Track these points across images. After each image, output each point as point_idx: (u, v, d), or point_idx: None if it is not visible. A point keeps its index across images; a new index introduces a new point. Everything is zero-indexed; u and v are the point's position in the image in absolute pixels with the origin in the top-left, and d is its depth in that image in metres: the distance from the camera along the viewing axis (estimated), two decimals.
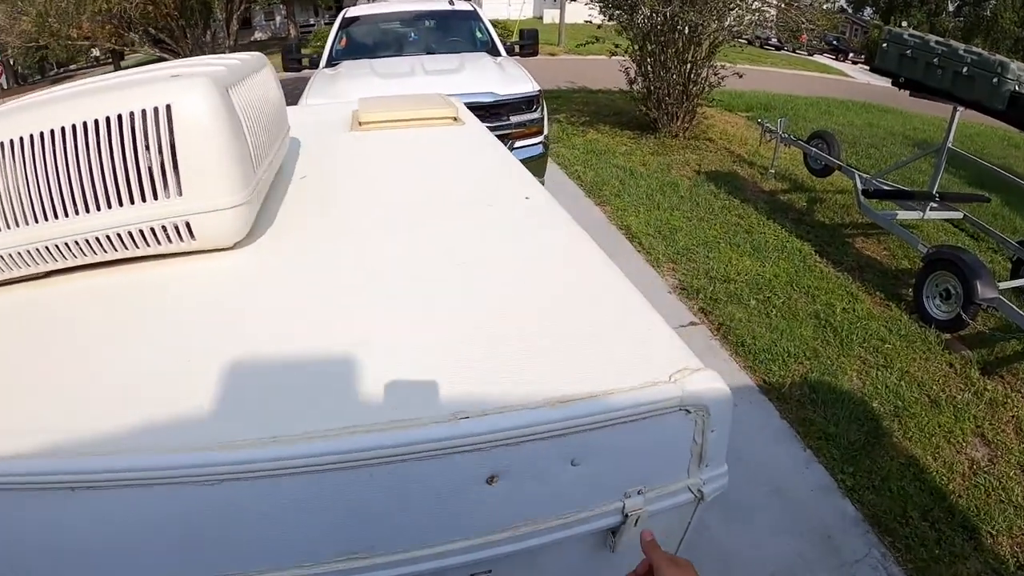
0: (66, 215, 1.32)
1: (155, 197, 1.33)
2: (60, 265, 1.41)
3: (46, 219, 1.33)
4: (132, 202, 1.32)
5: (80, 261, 1.41)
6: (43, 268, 1.42)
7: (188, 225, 1.37)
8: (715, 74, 8.43)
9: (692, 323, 4.46)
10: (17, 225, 1.34)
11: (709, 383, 1.05)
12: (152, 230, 1.36)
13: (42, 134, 1.27)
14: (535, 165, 5.21)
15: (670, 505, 1.15)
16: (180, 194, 1.33)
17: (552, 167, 7.51)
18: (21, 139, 1.27)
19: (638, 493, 1.12)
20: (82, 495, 0.91)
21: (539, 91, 5.28)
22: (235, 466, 0.88)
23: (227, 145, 1.35)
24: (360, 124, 2.48)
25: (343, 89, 4.80)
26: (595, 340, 1.15)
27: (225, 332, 1.19)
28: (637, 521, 1.12)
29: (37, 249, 1.36)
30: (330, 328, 1.18)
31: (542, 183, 5.46)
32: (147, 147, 1.31)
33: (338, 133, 2.45)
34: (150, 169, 1.32)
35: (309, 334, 1.16)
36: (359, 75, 5.26)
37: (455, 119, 2.53)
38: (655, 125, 8.83)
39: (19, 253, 1.36)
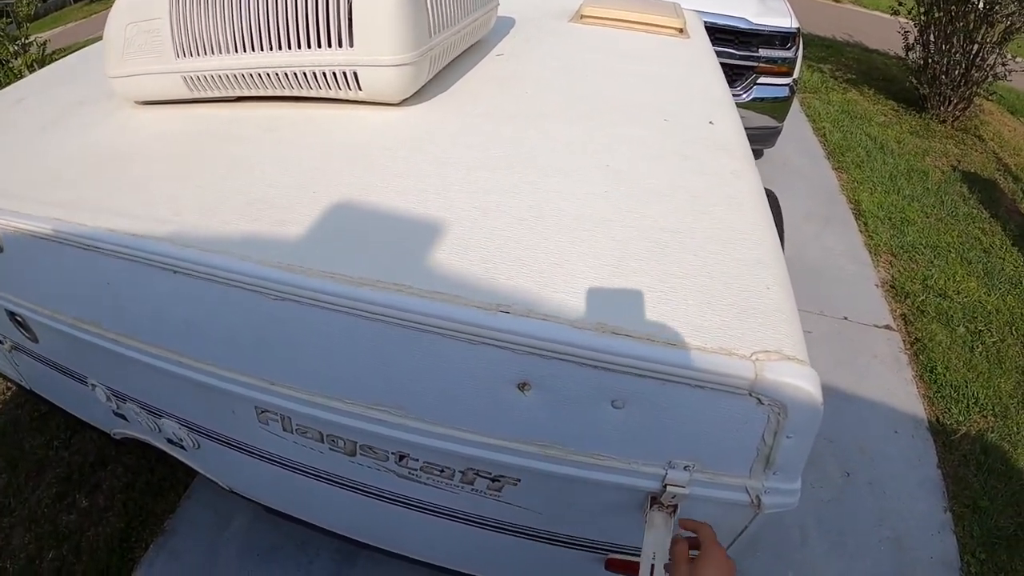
0: (252, 50, 1.63)
1: (329, 45, 1.55)
2: (247, 93, 1.75)
3: (236, 51, 1.65)
4: (309, 46, 1.57)
5: (263, 92, 1.73)
6: (235, 93, 1.78)
7: (356, 75, 1.59)
8: (1003, 64, 7.34)
9: (887, 327, 4.13)
10: (217, 53, 1.68)
11: (796, 379, 0.95)
12: (324, 75, 1.62)
13: None
14: (777, 107, 5.01)
15: (719, 498, 1.13)
16: (351, 45, 1.53)
17: (798, 118, 7.08)
18: None
19: (684, 468, 1.11)
20: (181, 279, 1.22)
21: (797, 29, 4.97)
22: (292, 288, 1.10)
23: (400, 6, 1.50)
24: (581, 17, 2.54)
25: None
26: (701, 284, 1.11)
27: (356, 177, 1.39)
28: (675, 497, 1.12)
29: (231, 75, 1.71)
30: (443, 197, 1.32)
31: (780, 128, 5.21)
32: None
33: (557, 21, 2.52)
34: (328, 17, 1.53)
35: (421, 197, 1.31)
36: None
37: (680, 31, 2.49)
38: (923, 103, 8.01)
39: (217, 76, 1.72)
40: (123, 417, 2.05)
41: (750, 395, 0.97)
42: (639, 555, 1.32)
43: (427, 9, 1.59)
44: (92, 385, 1.98)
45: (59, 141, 1.98)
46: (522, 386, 1.05)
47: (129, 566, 2.80)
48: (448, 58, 1.79)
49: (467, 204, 1.27)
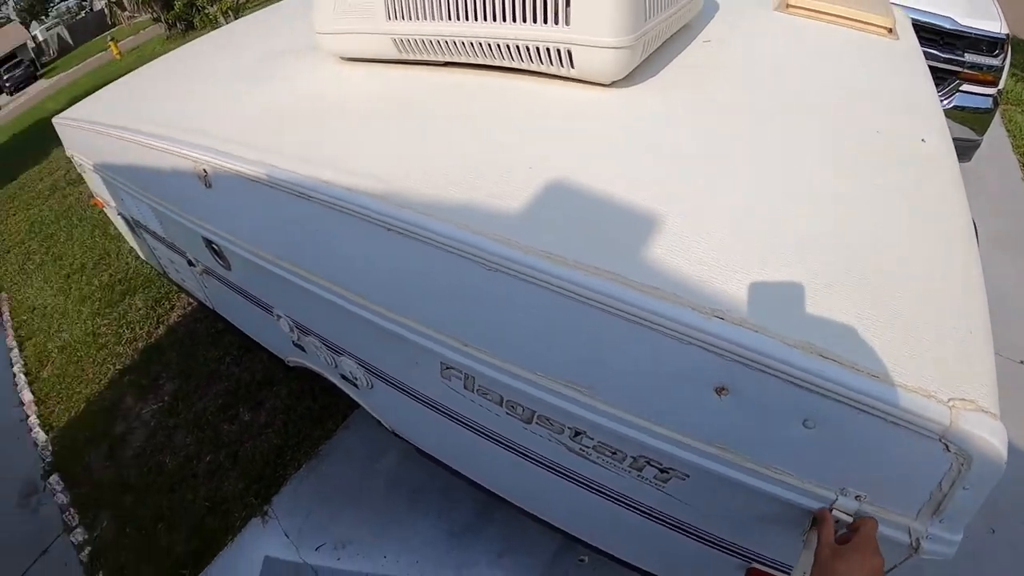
0: (466, 19, 1.72)
1: (546, 21, 1.61)
2: (455, 60, 1.85)
3: (450, 19, 1.75)
4: (525, 20, 1.64)
5: (471, 60, 1.83)
6: (442, 58, 1.88)
7: (570, 54, 1.64)
8: None
9: None
10: (430, 19, 1.79)
11: (987, 433, 0.95)
12: (536, 49, 1.68)
13: None
14: (978, 119, 4.63)
15: (880, 533, 1.12)
16: (568, 23, 1.58)
17: (997, 132, 6.49)
18: None
19: (855, 497, 1.13)
20: (392, 236, 1.35)
21: (1007, 35, 4.56)
22: (509, 262, 1.20)
23: None
24: (787, 6, 2.46)
25: None
26: (907, 318, 1.11)
27: (568, 157, 1.45)
28: (839, 522, 1.14)
29: (442, 41, 1.80)
30: (656, 187, 1.35)
31: (979, 142, 4.84)
32: None
33: (760, 9, 2.46)
34: None
35: (633, 184, 1.35)
36: None
37: (890, 31, 2.37)
38: None
39: (428, 41, 1.83)
40: (301, 348, 2.25)
41: (939, 440, 0.98)
42: (783, 570, 1.35)
43: None
44: (277, 316, 2.18)
45: (266, 89, 2.16)
46: (719, 390, 1.09)
47: (280, 481, 3.09)
48: (659, 41, 1.81)
49: (679, 198, 1.31)
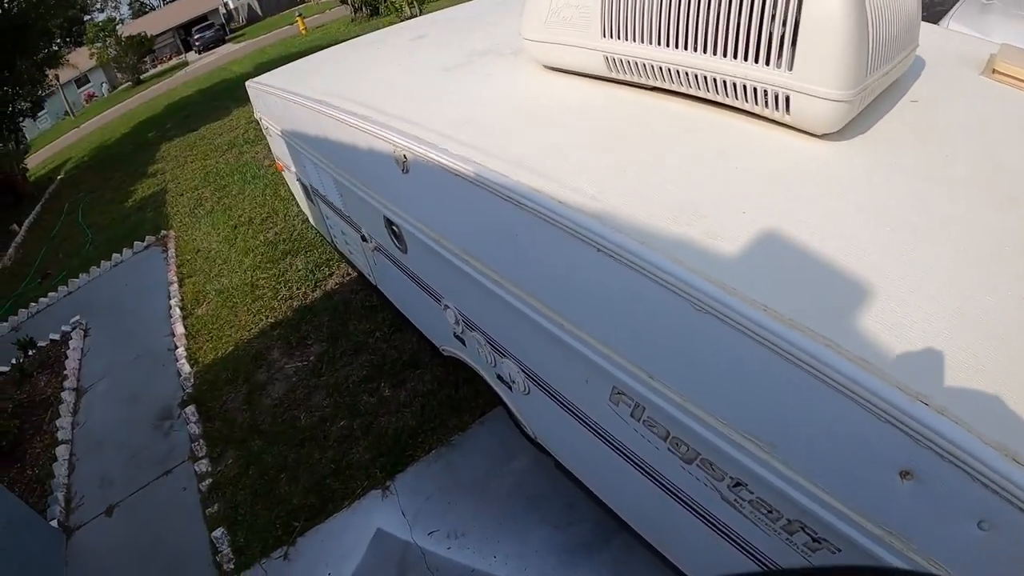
0: (684, 48, 1.74)
1: (767, 63, 1.62)
2: (665, 86, 1.88)
3: (667, 46, 1.78)
4: (746, 59, 1.65)
5: (681, 89, 1.85)
6: (652, 83, 1.91)
7: (787, 99, 1.65)
8: None
9: None
10: (645, 42, 1.82)
11: None
12: (754, 90, 1.69)
13: None
14: None
15: None
16: (790, 69, 1.59)
17: None
18: None
19: None
20: (601, 258, 1.40)
21: None
22: (722, 306, 1.23)
23: (849, 39, 1.53)
24: (994, 72, 2.35)
25: (992, 26, 4.43)
26: None
27: (783, 207, 1.46)
28: None
29: (656, 66, 1.83)
30: (870, 254, 1.33)
31: None
32: (774, 16, 1.58)
33: (965, 71, 2.37)
34: (770, 36, 1.60)
35: (847, 246, 1.34)
36: (1015, 15, 4.73)
37: None
38: None
39: (641, 64, 1.87)
40: (461, 341, 2.36)
41: None
42: None
43: (870, 45, 1.59)
44: (445, 306, 2.30)
45: (467, 86, 2.27)
46: (904, 474, 1.08)
47: (407, 460, 3.24)
48: (875, 95, 1.78)
49: (891, 269, 1.29)
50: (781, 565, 1.46)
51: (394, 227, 2.42)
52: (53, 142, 22.74)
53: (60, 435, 4.38)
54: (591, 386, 1.62)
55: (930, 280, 1.28)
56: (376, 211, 2.51)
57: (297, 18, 26.09)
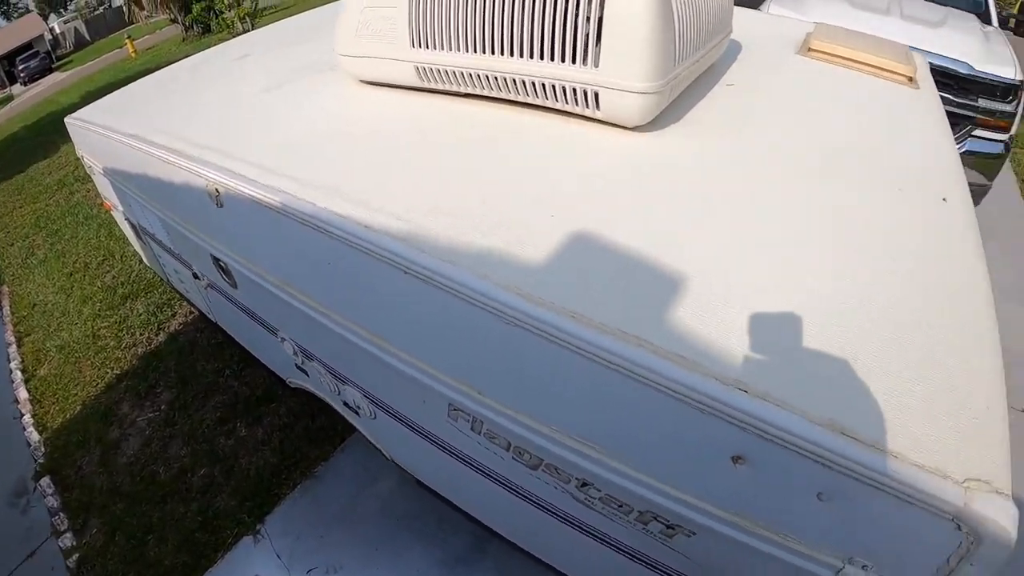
0: (493, 53, 1.71)
1: (573, 61, 1.61)
2: (478, 92, 1.85)
3: (476, 52, 1.74)
4: (553, 59, 1.64)
5: (495, 94, 1.82)
6: (464, 89, 1.87)
7: (596, 96, 1.65)
8: None
9: None
10: (454, 50, 1.78)
11: (999, 515, 0.94)
12: (563, 89, 1.68)
13: None
14: (988, 164, 4.72)
15: None
16: (596, 65, 1.59)
17: (1006, 176, 6.57)
18: None
19: (863, 567, 1.12)
20: (410, 280, 1.33)
21: (1021, 81, 4.61)
22: (531, 319, 1.17)
23: (651, 33, 1.54)
24: (809, 50, 2.47)
25: (809, 7, 4.75)
26: (925, 391, 1.10)
27: (592, 206, 1.43)
28: None
29: (466, 74, 1.80)
30: (682, 244, 1.33)
31: (988, 187, 4.86)
32: (578, 15, 1.57)
33: (783, 51, 2.47)
34: (575, 35, 1.59)
35: (657, 239, 1.34)
36: None
37: (911, 79, 2.37)
38: None
39: (452, 72, 1.82)
40: (304, 372, 2.23)
41: (952, 520, 0.97)
42: None
43: (675, 37, 1.61)
44: (282, 338, 2.17)
45: (284, 108, 2.15)
46: (736, 459, 1.08)
47: (274, 500, 3.07)
48: (686, 84, 1.81)
49: (705, 256, 1.29)
50: (645, 554, 1.44)
51: (220, 263, 2.27)
52: None
53: None
54: (429, 406, 1.55)
55: (745, 264, 1.29)
56: (201, 248, 2.35)
57: (126, 41, 24.55)
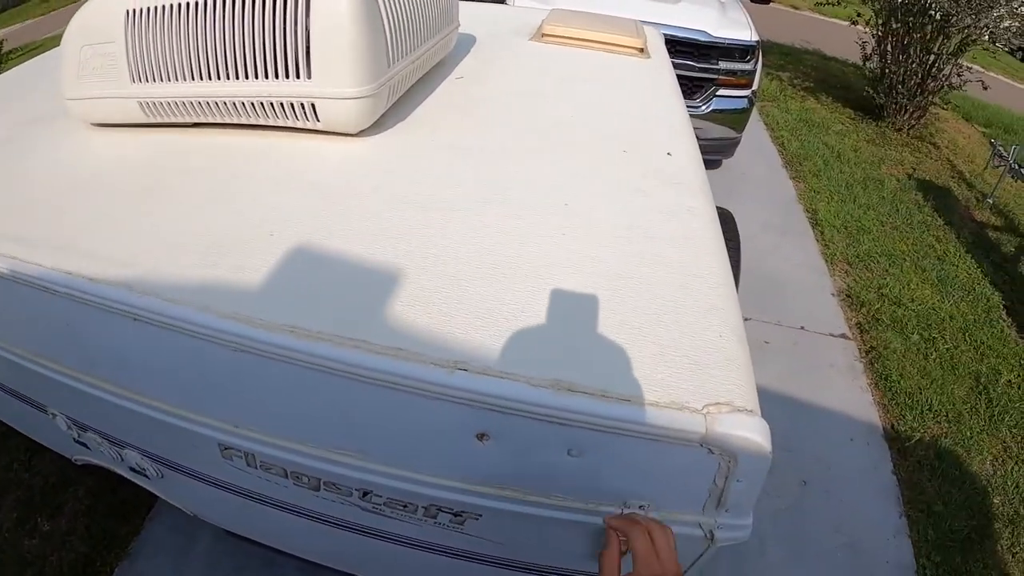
0: (209, 78, 1.65)
1: (287, 76, 1.58)
2: (205, 120, 1.77)
3: (193, 79, 1.67)
4: (267, 76, 1.60)
5: (221, 120, 1.75)
6: (192, 119, 1.79)
7: (314, 107, 1.62)
8: (959, 75, 7.71)
9: (843, 335, 4.38)
10: (173, 80, 1.70)
11: (745, 431, 1.01)
12: (282, 105, 1.65)
13: (196, 3, 1.58)
14: (735, 118, 5.22)
15: (674, 532, 1.18)
16: (309, 77, 1.57)
17: (758, 127, 7.36)
18: (180, 5, 1.60)
19: (640, 507, 1.18)
20: (141, 325, 1.25)
21: (757, 42, 5.14)
22: (251, 341, 1.13)
23: (358, 38, 1.54)
24: (542, 35, 2.56)
25: None
26: (656, 334, 1.15)
27: (312, 218, 1.42)
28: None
29: (187, 103, 1.72)
30: (402, 241, 1.34)
31: (739, 139, 5.34)
32: (286, 29, 1.54)
33: (517, 40, 2.55)
34: (285, 49, 1.56)
35: (378, 241, 1.34)
36: None
37: (641, 51, 2.53)
38: (880, 112, 8.51)
39: (173, 104, 1.74)
40: (84, 445, 2.06)
41: (701, 446, 1.03)
42: None
43: (386, 39, 1.62)
44: (52, 414, 1.99)
45: (9, 164, 1.97)
46: (480, 436, 1.10)
47: None
48: (408, 84, 1.82)
49: (424, 250, 1.31)
50: (448, 546, 1.45)
51: None
52: None
53: None
54: (202, 450, 1.47)
55: (453, 251, 1.32)
56: None
57: None
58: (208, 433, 1.37)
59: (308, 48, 1.54)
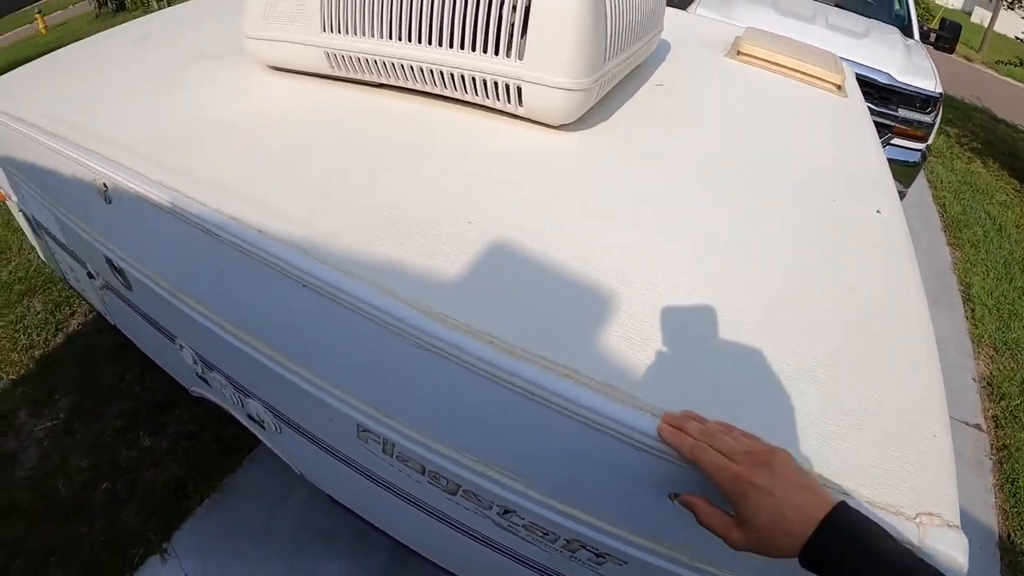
0: (410, 41, 1.56)
1: (496, 53, 1.47)
2: (393, 82, 1.69)
3: (392, 39, 1.59)
4: (474, 49, 1.49)
5: (410, 85, 1.67)
6: (378, 79, 1.72)
7: (519, 91, 1.51)
8: None
9: (977, 426, 4.04)
10: (369, 36, 1.62)
11: (951, 548, 0.87)
12: (484, 82, 1.54)
13: None
14: (906, 171, 4.85)
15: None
16: (521, 58, 1.45)
17: (920, 183, 6.87)
18: None
19: None
20: (308, 293, 1.17)
21: (940, 94, 4.74)
22: (443, 343, 1.03)
23: (581, 28, 1.42)
24: (738, 53, 2.42)
25: (737, 11, 4.77)
26: (869, 419, 1.02)
27: (513, 214, 1.30)
28: None
29: (380, 62, 1.64)
30: (613, 260, 1.22)
31: (905, 193, 5.00)
32: (503, 3, 1.44)
33: (712, 53, 2.41)
34: (499, 24, 1.45)
35: (586, 254, 1.22)
36: (757, 1, 5.10)
37: (839, 87, 2.34)
38: None
39: (365, 60, 1.67)
40: (206, 381, 2.04)
41: None
42: None
43: (607, 32, 1.49)
44: (180, 345, 1.97)
45: (183, 95, 1.93)
46: (673, 496, 0.97)
47: (181, 515, 2.84)
48: (615, 82, 1.70)
49: (638, 276, 1.17)
50: None
51: (112, 263, 2.06)
52: None
53: None
54: (337, 424, 1.39)
55: (663, 282, 1.18)
56: (93, 246, 2.13)
57: (36, 16, 23.06)
58: (349, 412, 1.28)
59: (525, 28, 1.42)
